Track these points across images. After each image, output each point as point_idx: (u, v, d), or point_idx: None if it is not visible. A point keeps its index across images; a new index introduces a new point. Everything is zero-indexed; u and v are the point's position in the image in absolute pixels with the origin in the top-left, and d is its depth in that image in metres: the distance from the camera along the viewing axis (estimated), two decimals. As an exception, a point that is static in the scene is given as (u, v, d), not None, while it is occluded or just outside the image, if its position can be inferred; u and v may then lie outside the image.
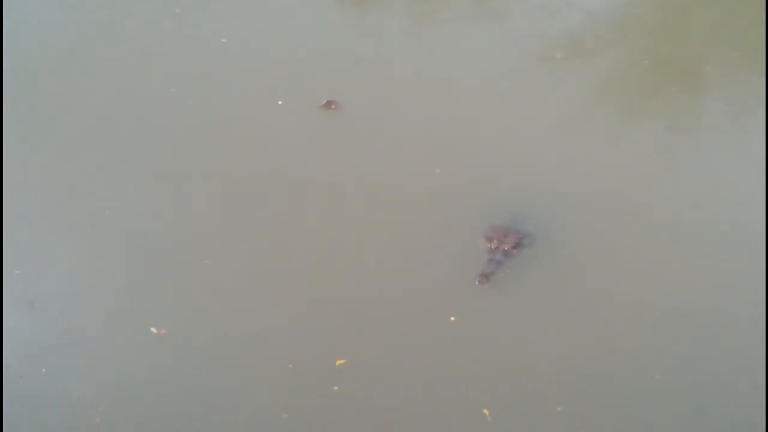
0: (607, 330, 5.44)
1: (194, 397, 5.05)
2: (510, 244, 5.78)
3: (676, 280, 5.76)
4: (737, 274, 5.80)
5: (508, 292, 5.61)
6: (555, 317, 5.50)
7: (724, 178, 6.50)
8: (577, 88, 7.38)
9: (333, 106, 6.91)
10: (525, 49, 7.76)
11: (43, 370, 5.11)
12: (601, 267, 5.82)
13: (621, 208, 6.22)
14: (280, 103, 6.97)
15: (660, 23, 8.36)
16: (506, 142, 6.73)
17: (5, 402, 4.93)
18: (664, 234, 6.04)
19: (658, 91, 7.48)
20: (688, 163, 6.66)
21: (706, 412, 5.03)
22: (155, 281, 5.66)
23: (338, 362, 5.22)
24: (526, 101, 7.15)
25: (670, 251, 5.94)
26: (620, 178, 6.46)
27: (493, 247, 5.77)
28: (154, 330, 5.33)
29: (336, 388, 5.10)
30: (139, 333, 5.32)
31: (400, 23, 8.08)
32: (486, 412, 5.00)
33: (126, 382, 5.10)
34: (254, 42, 7.64)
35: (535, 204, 6.18)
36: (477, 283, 5.54)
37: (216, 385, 5.11)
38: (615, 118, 7.14)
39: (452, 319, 5.45)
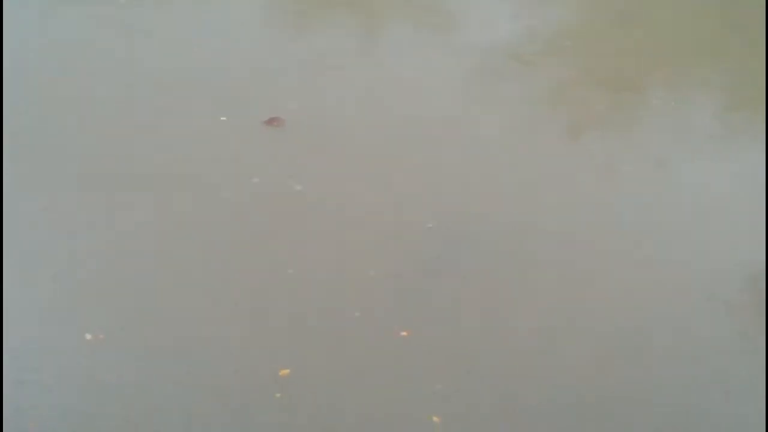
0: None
1: (132, 403, 4.80)
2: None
3: (622, 300, 5.71)
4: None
5: (454, 306, 5.53)
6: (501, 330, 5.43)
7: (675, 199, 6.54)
8: (533, 106, 7.41)
9: (276, 123, 6.80)
10: (476, 64, 7.81)
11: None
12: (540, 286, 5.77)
13: (559, 230, 6.19)
14: (223, 119, 6.84)
15: (612, 36, 8.52)
16: (451, 160, 6.70)
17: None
18: (605, 255, 6.03)
19: (604, 109, 7.56)
20: (637, 185, 6.67)
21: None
22: (93, 288, 5.44)
23: (282, 372, 5.04)
24: (474, 119, 7.14)
25: (612, 273, 5.90)
26: (563, 198, 6.47)
27: None
28: (89, 336, 5.10)
29: (278, 395, 4.91)
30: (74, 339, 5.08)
31: (345, 38, 8.08)
32: (436, 419, 4.86)
33: (59, 388, 4.84)
34: (188, 63, 7.52)
35: (481, 226, 6.13)
36: None
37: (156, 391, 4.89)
38: (560, 138, 7.16)
39: (404, 333, 5.33)
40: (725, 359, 5.31)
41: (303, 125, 6.88)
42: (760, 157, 6.93)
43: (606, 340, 5.37)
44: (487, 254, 5.90)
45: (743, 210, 6.43)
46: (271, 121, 6.82)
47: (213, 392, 4.92)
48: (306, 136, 6.79)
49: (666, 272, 5.86)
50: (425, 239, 5.99)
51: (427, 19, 8.65)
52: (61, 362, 4.98)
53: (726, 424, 4.95)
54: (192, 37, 7.90)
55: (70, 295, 5.40)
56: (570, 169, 6.74)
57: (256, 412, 4.84)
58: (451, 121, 7.08)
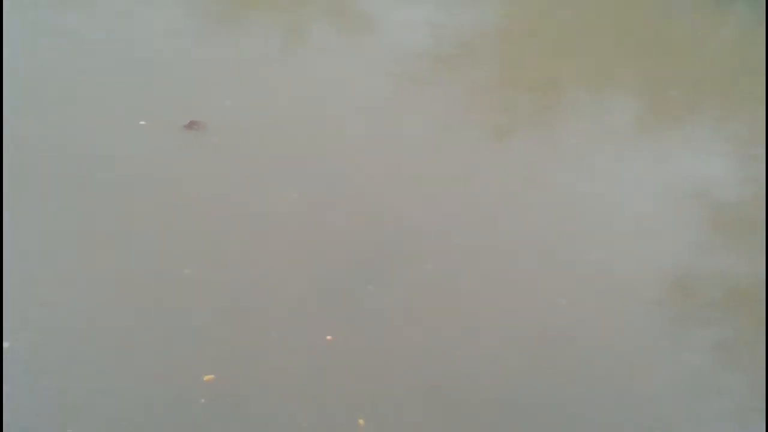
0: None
1: (53, 412, 4.69)
2: None
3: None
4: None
5: (379, 310, 5.52)
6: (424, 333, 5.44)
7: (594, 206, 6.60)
8: (452, 108, 7.44)
9: (196, 127, 6.72)
10: (397, 66, 7.83)
11: None
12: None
13: (483, 231, 6.23)
14: (142, 123, 6.73)
15: (532, 38, 8.61)
16: (374, 163, 6.71)
17: None
18: (528, 256, 6.08)
19: (525, 110, 7.63)
20: (559, 186, 6.72)
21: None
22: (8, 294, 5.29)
23: (206, 378, 4.97)
24: (397, 121, 7.17)
25: (536, 275, 5.95)
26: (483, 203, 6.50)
27: None
28: (6, 344, 4.96)
29: (203, 401, 4.84)
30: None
31: (266, 42, 8.02)
32: (361, 422, 4.85)
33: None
34: (108, 67, 7.39)
35: (404, 229, 6.13)
36: None
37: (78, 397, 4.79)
38: (482, 139, 7.19)
39: (329, 338, 5.30)
40: (660, 358, 5.41)
41: (224, 128, 6.82)
42: (681, 158, 7.07)
43: (531, 342, 5.43)
44: (410, 258, 5.92)
45: (667, 211, 6.54)
46: (192, 125, 6.73)
47: (137, 399, 4.82)
48: (227, 139, 6.74)
49: (591, 274, 5.94)
50: (349, 243, 5.98)
51: (349, 23, 8.67)
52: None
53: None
54: (113, 40, 7.77)
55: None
56: (492, 170, 6.80)
57: (181, 418, 4.77)
58: (373, 124, 7.12)
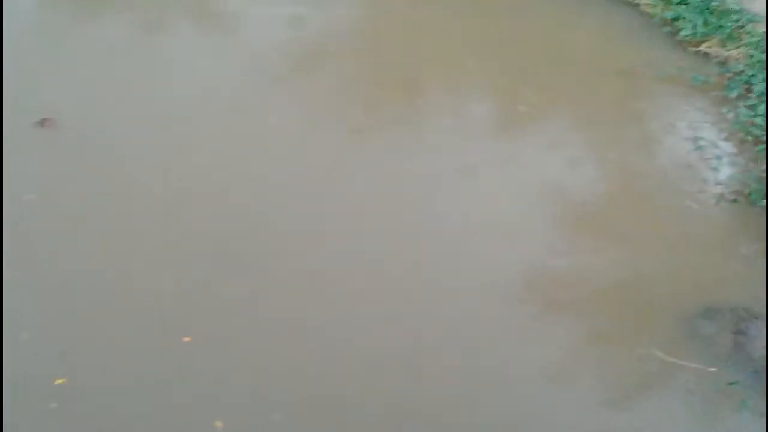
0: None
1: None
2: None
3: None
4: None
5: (236, 311, 5.50)
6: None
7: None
8: (309, 104, 7.49)
9: (47, 124, 6.55)
10: (255, 64, 7.81)
11: None
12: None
13: (342, 230, 6.27)
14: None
15: (391, 39, 8.69)
16: (232, 159, 6.68)
17: None
18: (385, 255, 6.12)
19: (383, 108, 7.68)
20: (418, 187, 6.76)
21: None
22: None
23: (57, 381, 4.85)
24: (255, 121, 7.15)
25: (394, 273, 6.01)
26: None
27: None
28: None
29: (54, 405, 4.73)
30: None
31: (121, 37, 7.85)
32: (219, 424, 4.84)
33: None
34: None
35: (261, 227, 6.12)
36: None
37: None
38: (340, 137, 7.24)
39: (186, 339, 5.26)
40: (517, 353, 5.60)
41: (75, 125, 6.64)
42: (539, 159, 7.21)
43: (395, 341, 5.50)
44: (270, 256, 5.89)
45: (525, 211, 6.67)
46: (43, 122, 6.56)
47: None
48: (79, 135, 6.56)
49: (452, 272, 6.06)
50: (209, 243, 5.91)
51: (210, 21, 8.55)
52: None
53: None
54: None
55: None
56: (351, 169, 6.83)
57: (31, 423, 4.64)
58: (231, 123, 7.03)
